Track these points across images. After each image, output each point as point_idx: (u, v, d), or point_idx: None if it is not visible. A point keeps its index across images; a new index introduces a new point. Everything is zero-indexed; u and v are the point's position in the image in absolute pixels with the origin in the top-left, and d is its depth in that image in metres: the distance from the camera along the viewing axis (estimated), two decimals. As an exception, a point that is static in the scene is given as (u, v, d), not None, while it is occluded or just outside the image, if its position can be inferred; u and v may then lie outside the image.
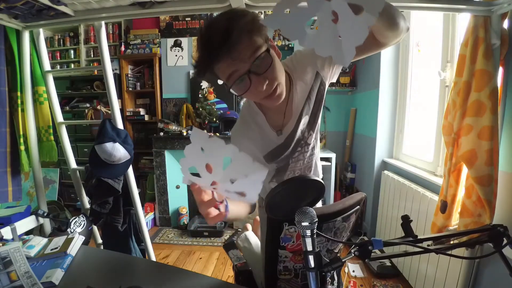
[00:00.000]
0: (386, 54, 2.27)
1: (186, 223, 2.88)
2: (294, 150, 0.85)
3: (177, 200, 2.95)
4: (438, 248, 0.65)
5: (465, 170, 1.17)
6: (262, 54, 0.62)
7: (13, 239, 1.23)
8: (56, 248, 0.99)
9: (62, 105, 3.09)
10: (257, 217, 1.25)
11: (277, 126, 0.81)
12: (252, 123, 0.81)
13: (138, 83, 3.08)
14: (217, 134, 2.70)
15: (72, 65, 3.19)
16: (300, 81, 0.79)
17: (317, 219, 0.51)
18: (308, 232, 0.50)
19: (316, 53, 0.42)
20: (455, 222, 1.25)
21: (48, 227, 1.52)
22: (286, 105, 0.79)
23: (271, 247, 0.82)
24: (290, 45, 2.96)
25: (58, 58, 3.24)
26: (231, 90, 0.66)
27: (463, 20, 1.49)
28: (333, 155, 2.79)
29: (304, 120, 0.82)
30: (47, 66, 1.49)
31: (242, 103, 2.88)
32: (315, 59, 0.79)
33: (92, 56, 3.13)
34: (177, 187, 2.93)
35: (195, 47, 2.89)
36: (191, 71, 2.90)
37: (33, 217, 1.46)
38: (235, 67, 0.62)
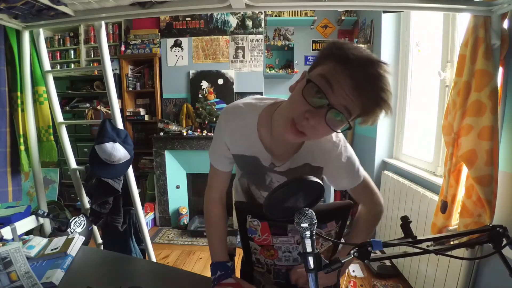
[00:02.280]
0: (386, 54, 2.27)
1: (186, 223, 2.88)
2: (265, 172, 0.84)
3: (177, 200, 2.95)
4: (438, 249, 0.65)
5: (465, 170, 1.17)
6: (347, 123, 0.58)
7: (13, 239, 1.23)
8: (56, 248, 0.99)
9: (62, 105, 3.09)
10: None
11: (263, 145, 0.78)
12: (244, 120, 0.76)
13: (138, 83, 3.08)
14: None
15: (72, 65, 3.19)
16: (310, 155, 0.77)
17: (316, 221, 0.51)
18: (308, 234, 0.50)
19: None
20: (455, 222, 1.25)
21: (48, 227, 1.52)
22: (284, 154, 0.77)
23: (242, 235, 0.88)
24: (290, 45, 2.96)
25: (58, 58, 3.24)
26: (310, 82, 0.56)
27: (463, 20, 1.49)
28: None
29: (279, 177, 0.81)
30: (47, 66, 1.49)
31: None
32: (333, 168, 0.78)
33: (92, 56, 3.13)
34: (177, 187, 2.93)
35: (195, 47, 2.89)
36: (191, 71, 2.89)
37: (33, 217, 1.46)
38: (342, 95, 0.54)
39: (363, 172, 0.80)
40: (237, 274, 0.88)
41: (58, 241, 1.03)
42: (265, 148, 0.76)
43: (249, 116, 0.75)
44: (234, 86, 2.86)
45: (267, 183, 0.83)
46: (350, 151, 0.77)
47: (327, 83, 0.54)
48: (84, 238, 1.09)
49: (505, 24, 1.05)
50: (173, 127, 2.73)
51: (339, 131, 0.60)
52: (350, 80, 0.52)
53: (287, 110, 0.64)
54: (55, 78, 1.56)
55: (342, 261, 0.51)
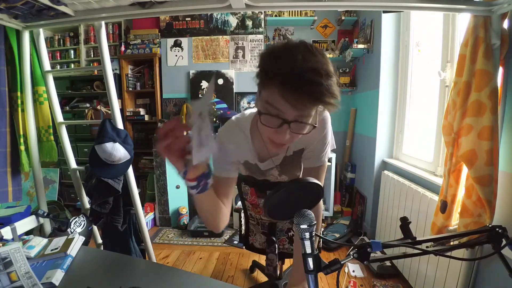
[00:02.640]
0: (386, 54, 2.27)
1: (186, 223, 2.88)
2: (265, 173, 0.98)
3: (177, 200, 2.95)
4: (438, 250, 0.65)
5: (465, 170, 1.17)
6: (311, 124, 0.64)
7: (13, 239, 1.23)
8: (56, 248, 0.99)
9: (62, 105, 3.09)
10: None
11: (258, 155, 0.90)
12: (243, 133, 0.85)
13: (138, 83, 3.08)
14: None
15: (72, 65, 3.19)
16: (297, 141, 0.81)
17: (315, 222, 0.51)
18: (307, 235, 0.50)
19: None
20: (455, 222, 1.25)
21: (48, 227, 1.52)
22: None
23: (240, 196, 1.33)
24: (290, 45, 2.96)
25: (58, 58, 3.24)
26: (261, 114, 0.63)
27: (463, 20, 1.49)
28: (333, 155, 2.79)
29: (278, 168, 0.94)
30: (47, 66, 1.49)
31: (242, 104, 2.88)
32: (314, 139, 0.84)
33: (92, 56, 3.13)
34: (177, 187, 2.93)
35: (195, 47, 2.89)
36: (191, 71, 2.89)
37: (33, 217, 1.46)
38: (289, 109, 0.59)
39: (328, 156, 0.90)
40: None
41: (58, 241, 1.03)
42: (261, 154, 0.89)
43: (240, 134, 0.85)
44: (234, 86, 2.86)
45: (266, 175, 0.99)
46: (331, 134, 0.87)
47: (272, 107, 0.60)
48: (84, 238, 1.09)
49: (505, 24, 1.05)
50: (173, 127, 2.72)
51: (306, 132, 0.66)
52: (288, 95, 0.57)
53: (263, 133, 0.70)
54: (55, 78, 1.57)
55: (342, 262, 0.51)
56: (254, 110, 0.87)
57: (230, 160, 0.86)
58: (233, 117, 0.90)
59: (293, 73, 0.56)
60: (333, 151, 2.87)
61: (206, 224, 0.81)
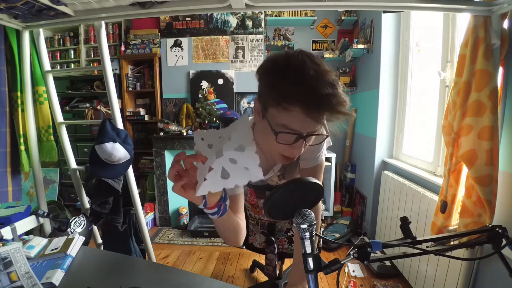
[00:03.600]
0: (386, 54, 2.27)
1: (186, 223, 2.88)
2: (266, 181, 0.99)
3: (177, 200, 2.95)
4: (438, 250, 0.65)
5: (465, 170, 1.17)
6: (325, 136, 0.65)
7: (13, 239, 1.23)
8: (56, 248, 0.99)
9: (62, 105, 3.09)
10: None
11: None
12: None
13: (138, 83, 3.08)
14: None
15: (72, 65, 3.19)
16: None
17: (315, 222, 0.51)
18: (307, 235, 0.50)
19: None
20: (455, 222, 1.25)
21: (48, 227, 1.52)
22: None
23: None
24: (290, 45, 2.96)
25: (58, 58, 3.24)
26: (278, 133, 0.61)
27: (463, 20, 1.49)
28: (333, 155, 2.79)
29: (277, 173, 0.95)
30: (47, 66, 1.49)
31: (242, 104, 2.88)
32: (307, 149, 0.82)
33: (92, 56, 3.13)
34: (177, 187, 2.93)
35: (195, 47, 2.89)
36: (191, 71, 2.89)
37: (33, 217, 1.46)
38: (308, 127, 0.60)
39: (323, 156, 0.89)
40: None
41: (58, 241, 1.03)
42: (262, 166, 0.84)
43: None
44: (234, 86, 2.86)
45: (266, 182, 1.00)
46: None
47: (296, 123, 0.59)
48: (84, 238, 1.09)
49: (505, 24, 1.05)
50: (173, 127, 2.73)
51: (316, 143, 0.68)
52: (306, 117, 0.57)
53: (270, 148, 0.69)
54: (55, 78, 1.56)
55: (342, 262, 0.51)
56: (243, 118, 0.83)
57: None
58: None
59: (311, 92, 0.55)
60: (333, 151, 2.88)
61: (227, 242, 0.80)
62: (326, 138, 0.66)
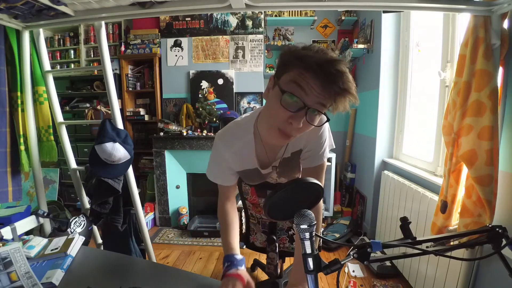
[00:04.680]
0: (386, 54, 2.27)
1: (186, 223, 2.88)
2: (265, 177, 0.99)
3: (177, 200, 2.95)
4: (438, 250, 0.65)
5: (465, 170, 1.17)
6: (325, 116, 0.67)
7: (13, 239, 1.23)
8: (56, 248, 0.99)
9: (62, 105, 3.09)
10: None
11: (260, 161, 0.91)
12: (241, 141, 0.86)
13: (138, 83, 3.08)
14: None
15: (72, 65, 3.19)
16: (295, 142, 0.87)
17: (315, 222, 0.51)
18: (307, 235, 0.50)
19: None
20: (455, 222, 1.25)
21: (48, 227, 1.52)
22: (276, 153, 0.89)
23: (241, 196, 1.34)
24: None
25: (58, 58, 3.24)
26: (284, 92, 0.64)
27: (463, 20, 1.48)
28: (333, 155, 2.79)
29: (276, 170, 0.95)
30: (47, 66, 1.49)
31: (242, 104, 2.88)
32: (311, 138, 0.86)
33: (92, 56, 3.13)
34: (177, 187, 2.93)
35: (195, 47, 2.89)
36: (191, 71, 2.89)
37: (33, 217, 1.46)
38: (315, 94, 0.62)
39: (326, 155, 0.90)
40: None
41: (58, 241, 1.03)
42: (262, 160, 0.90)
43: (245, 136, 0.85)
44: (234, 86, 2.86)
45: (265, 178, 1.00)
46: (328, 133, 0.88)
47: (299, 87, 0.62)
48: (84, 238, 1.09)
49: (505, 24, 1.05)
50: (173, 127, 2.73)
51: (318, 125, 0.69)
52: (317, 81, 0.61)
53: (270, 120, 0.70)
54: (55, 78, 1.56)
55: (342, 262, 0.51)
56: (253, 112, 0.89)
57: (232, 172, 0.91)
58: (231, 123, 0.90)
59: (329, 61, 0.60)
60: (333, 151, 2.88)
61: None
62: (326, 122, 0.69)
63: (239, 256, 0.83)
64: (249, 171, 0.93)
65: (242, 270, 0.80)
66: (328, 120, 0.67)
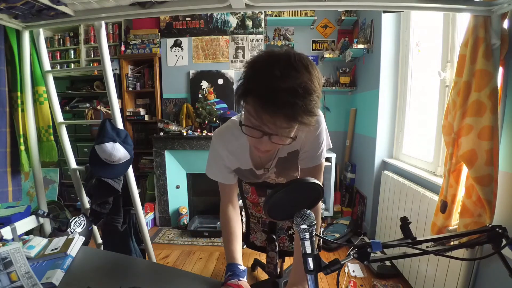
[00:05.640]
0: (386, 54, 2.27)
1: (186, 223, 2.88)
2: (260, 177, 0.99)
3: (177, 200, 2.95)
4: (438, 250, 0.65)
5: (465, 170, 1.17)
6: (289, 140, 0.66)
7: (13, 239, 1.23)
8: (56, 248, 0.99)
9: (62, 105, 3.09)
10: None
11: (254, 162, 0.91)
12: (237, 140, 0.87)
13: (138, 83, 3.08)
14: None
15: (72, 65, 3.19)
16: (292, 144, 0.85)
17: (315, 222, 0.51)
18: (307, 235, 0.50)
19: None
20: (455, 222, 1.25)
21: (48, 227, 1.52)
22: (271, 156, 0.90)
23: (241, 195, 1.32)
24: (290, 45, 2.96)
25: (58, 58, 3.24)
26: (242, 125, 0.66)
27: (463, 20, 1.48)
28: (333, 155, 2.79)
29: (272, 171, 0.95)
30: (47, 66, 1.49)
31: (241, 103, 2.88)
32: (308, 139, 0.85)
33: (92, 56, 3.13)
34: (177, 187, 2.93)
35: (195, 47, 2.89)
36: (191, 71, 2.89)
37: (33, 217, 1.46)
38: (269, 125, 0.61)
39: (324, 155, 0.89)
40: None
41: (58, 241, 1.03)
42: (256, 161, 0.90)
43: (241, 136, 0.84)
44: (234, 86, 2.86)
45: (262, 179, 1.00)
46: (325, 133, 0.88)
47: (253, 119, 0.62)
48: (84, 238, 1.09)
49: (505, 24, 1.05)
50: (173, 127, 2.73)
51: (288, 143, 0.67)
52: (267, 114, 0.58)
53: (248, 140, 0.72)
54: (55, 78, 1.56)
55: (342, 262, 0.51)
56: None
57: (229, 170, 0.91)
58: (229, 122, 0.91)
59: (267, 93, 0.56)
60: (333, 151, 2.88)
61: None
62: (292, 141, 0.67)
63: (242, 267, 0.83)
64: (244, 171, 0.93)
65: (244, 281, 0.80)
66: (294, 139, 0.66)
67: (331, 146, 0.94)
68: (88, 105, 3.16)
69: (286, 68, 0.57)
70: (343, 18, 2.88)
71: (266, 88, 0.56)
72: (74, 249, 1.00)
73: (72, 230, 1.43)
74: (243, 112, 0.66)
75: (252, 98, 0.60)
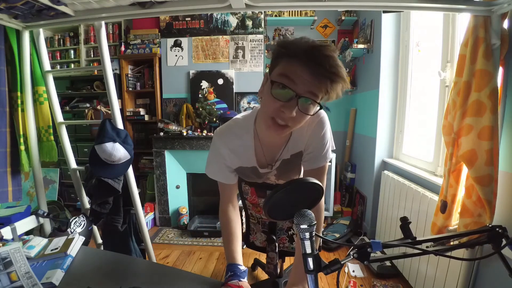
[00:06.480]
0: (386, 54, 2.27)
1: (186, 223, 2.88)
2: (262, 176, 0.98)
3: (177, 200, 2.95)
4: (438, 250, 0.65)
5: (465, 170, 1.17)
6: (317, 106, 0.67)
7: (13, 239, 1.23)
8: (56, 248, 0.99)
9: (62, 105, 3.09)
10: None
11: (258, 160, 0.91)
12: (239, 139, 0.86)
13: (138, 83, 3.08)
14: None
15: (72, 65, 3.19)
16: (295, 144, 0.87)
17: (315, 222, 0.51)
18: (307, 235, 0.50)
19: None
20: (455, 222, 1.25)
21: (48, 227, 1.52)
22: (275, 152, 0.89)
23: (241, 196, 1.32)
24: (290, 45, 2.95)
25: (58, 58, 3.24)
26: (274, 83, 0.65)
27: (463, 20, 1.48)
28: (333, 155, 2.79)
29: (273, 172, 0.95)
30: (47, 66, 1.49)
31: (242, 104, 2.88)
32: (312, 143, 0.86)
33: (92, 56, 3.13)
34: (177, 187, 2.93)
35: (195, 47, 2.89)
36: (191, 71, 2.89)
37: (33, 217, 1.46)
38: (304, 83, 0.63)
39: (329, 156, 0.89)
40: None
41: (58, 241, 1.03)
42: (260, 159, 0.90)
43: (244, 134, 0.86)
44: (234, 86, 2.86)
45: (263, 179, 0.99)
46: (330, 134, 0.88)
47: (287, 78, 0.63)
48: (84, 238, 1.09)
49: (505, 24, 1.05)
50: (173, 127, 2.73)
51: (312, 114, 0.69)
52: (305, 68, 0.62)
53: (264, 112, 0.72)
54: (55, 78, 1.56)
55: (342, 262, 0.51)
56: (252, 111, 0.89)
57: (230, 170, 0.91)
58: (231, 121, 0.91)
59: (315, 47, 0.62)
60: (333, 151, 2.87)
61: None
62: (319, 109, 0.68)
63: (242, 267, 0.83)
64: (246, 169, 0.92)
65: (244, 282, 0.80)
66: (321, 108, 0.68)
67: (334, 148, 0.94)
68: (88, 105, 3.16)
69: (323, 42, 0.65)
70: (343, 18, 2.88)
71: (313, 47, 0.62)
72: (74, 249, 1.00)
73: (72, 230, 1.43)
74: (274, 74, 0.67)
75: (289, 52, 0.63)
